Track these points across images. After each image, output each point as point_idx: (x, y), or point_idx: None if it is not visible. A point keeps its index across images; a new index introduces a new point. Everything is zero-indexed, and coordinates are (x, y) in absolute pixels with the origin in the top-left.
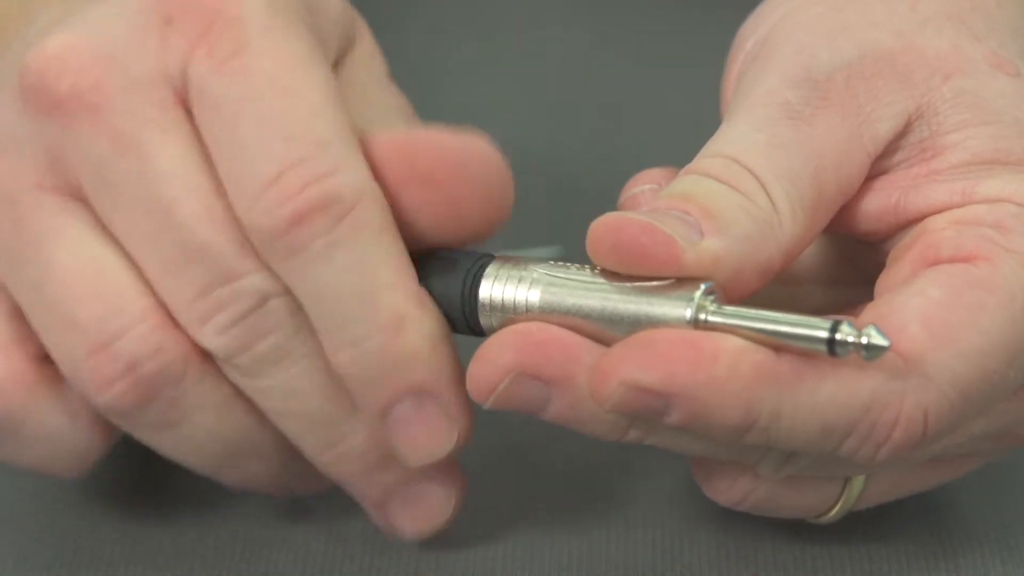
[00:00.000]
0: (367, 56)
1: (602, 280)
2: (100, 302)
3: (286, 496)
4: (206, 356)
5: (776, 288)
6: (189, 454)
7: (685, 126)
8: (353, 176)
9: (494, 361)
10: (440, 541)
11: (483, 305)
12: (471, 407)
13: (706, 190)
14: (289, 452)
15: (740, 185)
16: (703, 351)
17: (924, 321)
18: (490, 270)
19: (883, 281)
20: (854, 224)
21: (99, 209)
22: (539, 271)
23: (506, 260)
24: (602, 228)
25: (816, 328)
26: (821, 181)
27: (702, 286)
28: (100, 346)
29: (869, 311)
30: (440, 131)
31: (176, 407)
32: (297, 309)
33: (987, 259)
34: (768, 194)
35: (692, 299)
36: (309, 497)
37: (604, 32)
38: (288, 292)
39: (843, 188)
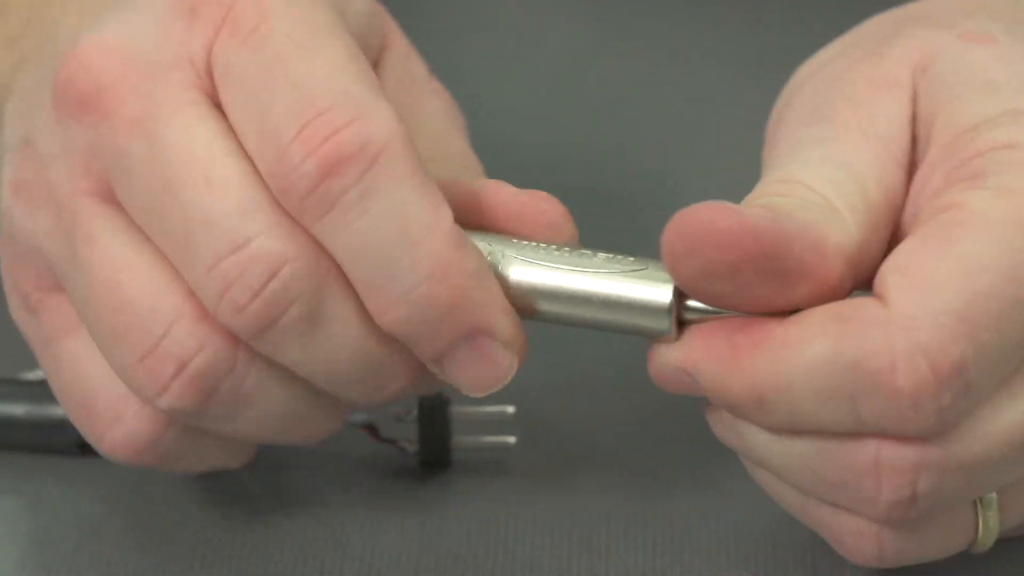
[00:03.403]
0: (402, 56)
1: (578, 261)
2: (136, 308)
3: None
4: None
5: None
6: (266, 433)
7: (687, 125)
8: (378, 121)
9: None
10: (440, 542)
11: None
12: (521, 326)
13: (763, 201)
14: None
15: (791, 192)
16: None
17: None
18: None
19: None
20: None
21: (127, 205)
22: (515, 250)
23: (487, 237)
24: (747, 245)
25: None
26: (865, 190)
27: None
28: (146, 352)
29: None
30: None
31: (238, 395)
32: (314, 272)
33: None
34: (819, 192)
35: (672, 281)
36: (308, 497)
37: (607, 32)
38: (301, 256)
39: (889, 198)
